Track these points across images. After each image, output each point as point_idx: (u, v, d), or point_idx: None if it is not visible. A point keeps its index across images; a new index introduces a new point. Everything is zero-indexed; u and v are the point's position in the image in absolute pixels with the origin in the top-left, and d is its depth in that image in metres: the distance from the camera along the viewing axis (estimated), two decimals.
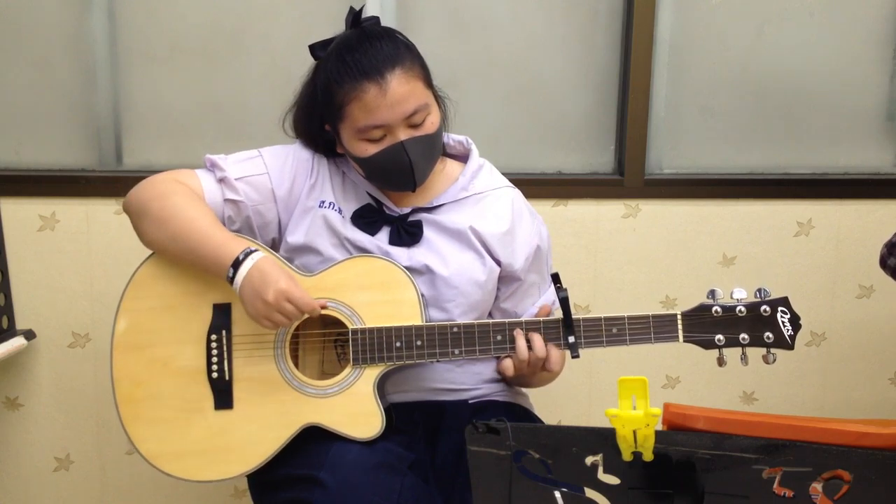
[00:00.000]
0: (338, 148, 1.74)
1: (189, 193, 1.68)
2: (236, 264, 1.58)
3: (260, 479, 1.67)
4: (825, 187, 2.42)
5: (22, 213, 2.26)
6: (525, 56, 2.37)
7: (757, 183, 2.42)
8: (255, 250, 1.60)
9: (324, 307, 1.62)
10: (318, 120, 1.73)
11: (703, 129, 2.44)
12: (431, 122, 1.67)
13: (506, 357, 1.66)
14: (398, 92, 1.62)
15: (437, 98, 1.72)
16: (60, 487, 2.39)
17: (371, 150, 1.65)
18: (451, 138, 1.83)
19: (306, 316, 1.61)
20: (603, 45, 2.38)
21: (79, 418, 2.36)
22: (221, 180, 1.71)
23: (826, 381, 2.50)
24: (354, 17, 1.71)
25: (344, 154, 1.74)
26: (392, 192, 1.75)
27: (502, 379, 1.82)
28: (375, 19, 1.74)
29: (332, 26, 1.76)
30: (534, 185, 2.27)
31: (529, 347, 1.64)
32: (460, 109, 1.82)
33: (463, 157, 1.83)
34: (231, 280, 1.59)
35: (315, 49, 1.73)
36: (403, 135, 1.64)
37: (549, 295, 1.80)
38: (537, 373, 1.68)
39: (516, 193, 1.82)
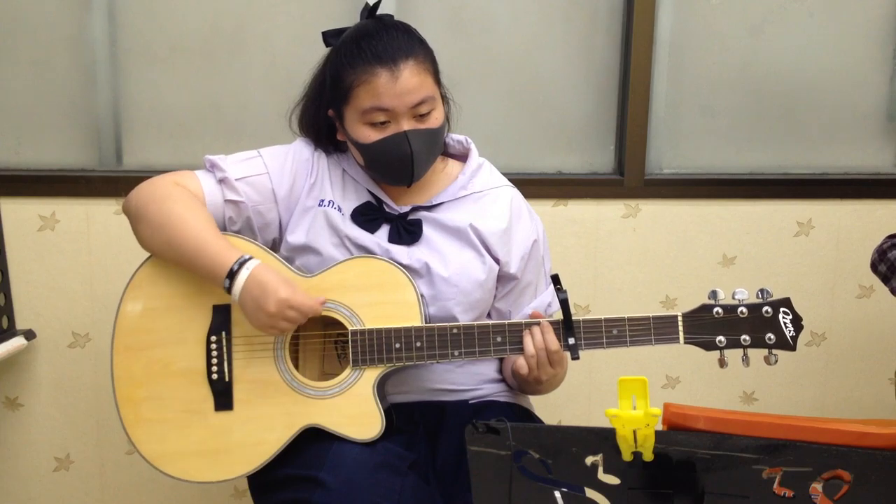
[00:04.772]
0: (338, 134, 1.74)
1: (187, 198, 1.67)
2: (231, 275, 1.58)
3: (260, 480, 1.66)
4: (825, 187, 2.42)
5: (22, 213, 2.26)
6: (525, 56, 2.37)
7: (757, 183, 2.42)
8: (249, 258, 1.59)
9: (323, 303, 1.62)
10: (324, 107, 1.74)
11: (703, 129, 2.44)
12: (436, 118, 1.68)
13: (518, 357, 1.65)
14: (409, 82, 1.62)
15: (444, 97, 1.73)
16: (60, 487, 2.39)
17: (373, 136, 1.66)
18: (452, 138, 1.83)
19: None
20: (603, 45, 2.38)
21: (79, 418, 2.36)
22: (222, 181, 1.71)
23: (826, 381, 2.50)
24: (371, 9, 1.73)
25: (344, 143, 1.74)
26: (388, 185, 1.75)
27: (503, 379, 1.82)
28: (391, 15, 1.76)
29: (332, 26, 1.77)
30: (534, 185, 2.27)
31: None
32: (460, 109, 1.82)
33: (463, 157, 1.83)
34: (228, 290, 1.59)
35: (328, 36, 1.74)
36: (407, 125, 1.65)
37: (545, 297, 1.80)
38: (550, 376, 1.66)
39: (515, 192, 1.82)
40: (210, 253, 1.60)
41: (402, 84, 1.62)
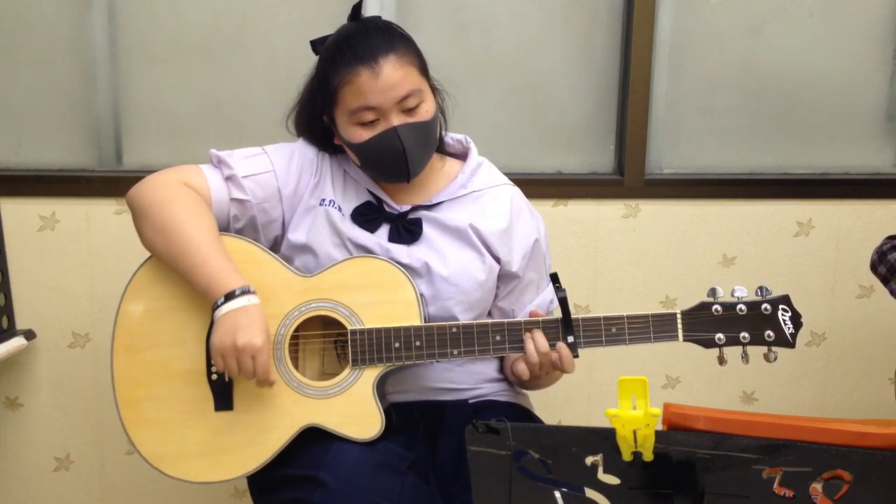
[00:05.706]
0: (335, 139, 1.74)
1: (191, 203, 1.66)
2: (230, 296, 1.57)
3: (260, 480, 1.66)
4: (825, 187, 2.42)
5: (22, 213, 2.26)
6: (525, 56, 2.37)
7: (757, 183, 2.42)
8: (253, 293, 1.59)
9: (272, 383, 1.61)
10: (318, 112, 1.74)
11: (703, 129, 2.44)
12: (426, 110, 1.67)
13: (518, 361, 1.65)
14: (391, 77, 1.62)
15: (434, 89, 1.73)
16: (60, 487, 2.39)
17: (365, 135, 1.66)
18: (451, 137, 1.83)
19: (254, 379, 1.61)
20: (603, 45, 2.38)
21: (79, 418, 2.36)
22: (228, 178, 1.71)
23: (826, 381, 2.50)
24: (354, 11, 1.73)
25: (342, 146, 1.74)
26: (388, 183, 1.75)
27: (503, 378, 1.82)
28: (378, 17, 1.75)
29: (332, 27, 1.77)
30: (534, 185, 2.27)
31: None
32: (460, 109, 1.82)
33: (462, 156, 1.83)
34: (217, 307, 1.58)
35: (316, 44, 1.74)
36: (397, 120, 1.65)
37: (546, 296, 1.80)
38: (550, 373, 1.67)
39: (515, 191, 1.82)
40: (211, 271, 1.59)
41: (384, 80, 1.62)
